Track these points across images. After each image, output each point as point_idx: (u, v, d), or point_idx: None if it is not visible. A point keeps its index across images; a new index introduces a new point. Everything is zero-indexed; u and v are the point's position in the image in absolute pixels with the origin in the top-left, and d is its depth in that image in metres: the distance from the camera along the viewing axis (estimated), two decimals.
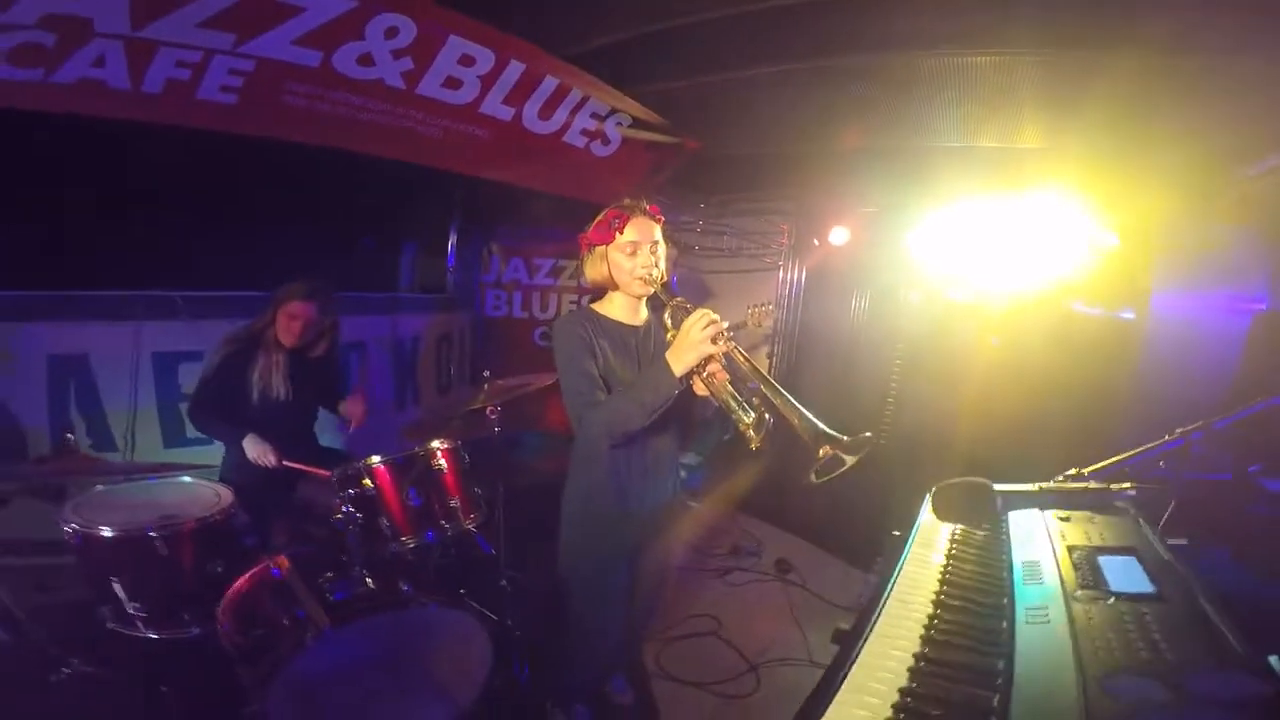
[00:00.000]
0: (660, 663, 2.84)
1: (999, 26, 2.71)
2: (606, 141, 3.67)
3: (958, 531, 1.65)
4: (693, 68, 3.33)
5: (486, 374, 2.81)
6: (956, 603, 1.27)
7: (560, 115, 3.30)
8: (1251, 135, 3.01)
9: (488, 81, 2.90)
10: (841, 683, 1.00)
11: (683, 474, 4.60)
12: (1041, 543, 1.47)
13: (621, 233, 1.90)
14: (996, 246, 3.66)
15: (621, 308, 2.02)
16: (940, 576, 1.40)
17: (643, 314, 2.06)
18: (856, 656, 1.07)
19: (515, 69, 2.89)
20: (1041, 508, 1.57)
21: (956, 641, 1.13)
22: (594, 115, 3.42)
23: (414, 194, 4.27)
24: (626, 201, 1.96)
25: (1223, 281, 3.75)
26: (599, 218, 1.97)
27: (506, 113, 3.13)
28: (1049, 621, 1.10)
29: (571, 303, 5.19)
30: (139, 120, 2.45)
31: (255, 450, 2.60)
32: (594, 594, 2.16)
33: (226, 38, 2.33)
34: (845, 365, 4.83)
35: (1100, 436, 3.61)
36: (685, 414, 2.02)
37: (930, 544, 1.61)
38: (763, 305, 4.65)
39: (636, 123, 3.66)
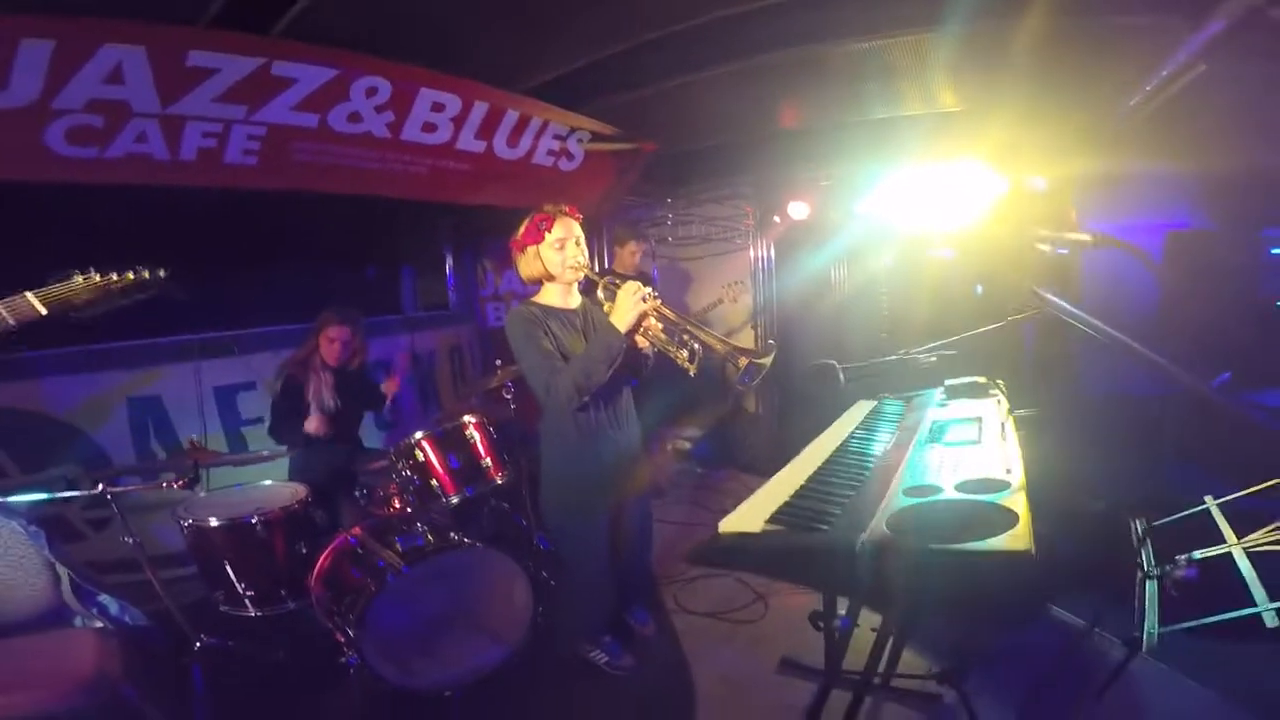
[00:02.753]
0: (678, 600, 3.06)
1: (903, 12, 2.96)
2: (571, 157, 4.04)
3: (870, 409, 2.09)
4: (637, 81, 3.60)
5: (499, 362, 3.19)
6: (844, 455, 1.69)
7: (526, 141, 3.67)
8: (1124, 73, 3.35)
9: (458, 122, 3.29)
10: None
11: (686, 445, 4.96)
12: (921, 414, 1.89)
13: (550, 231, 2.17)
14: (936, 205, 3.76)
15: (558, 295, 2.28)
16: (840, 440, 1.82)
17: (576, 298, 2.33)
18: (765, 486, 1.47)
19: (480, 108, 3.28)
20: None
21: (830, 477, 1.53)
22: (556, 136, 3.79)
23: (409, 224, 4.64)
24: (548, 207, 2.21)
25: (1138, 210, 4.09)
26: (526, 223, 2.22)
27: (479, 146, 3.50)
28: (892, 463, 1.50)
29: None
30: (178, 185, 2.83)
31: (310, 423, 2.99)
32: (581, 544, 2.38)
33: (239, 109, 2.70)
34: (835, 330, 5.02)
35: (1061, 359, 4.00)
36: (634, 370, 2.30)
37: (851, 420, 2.04)
38: (736, 282, 5.01)
39: (595, 136, 4.01)
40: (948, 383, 2.25)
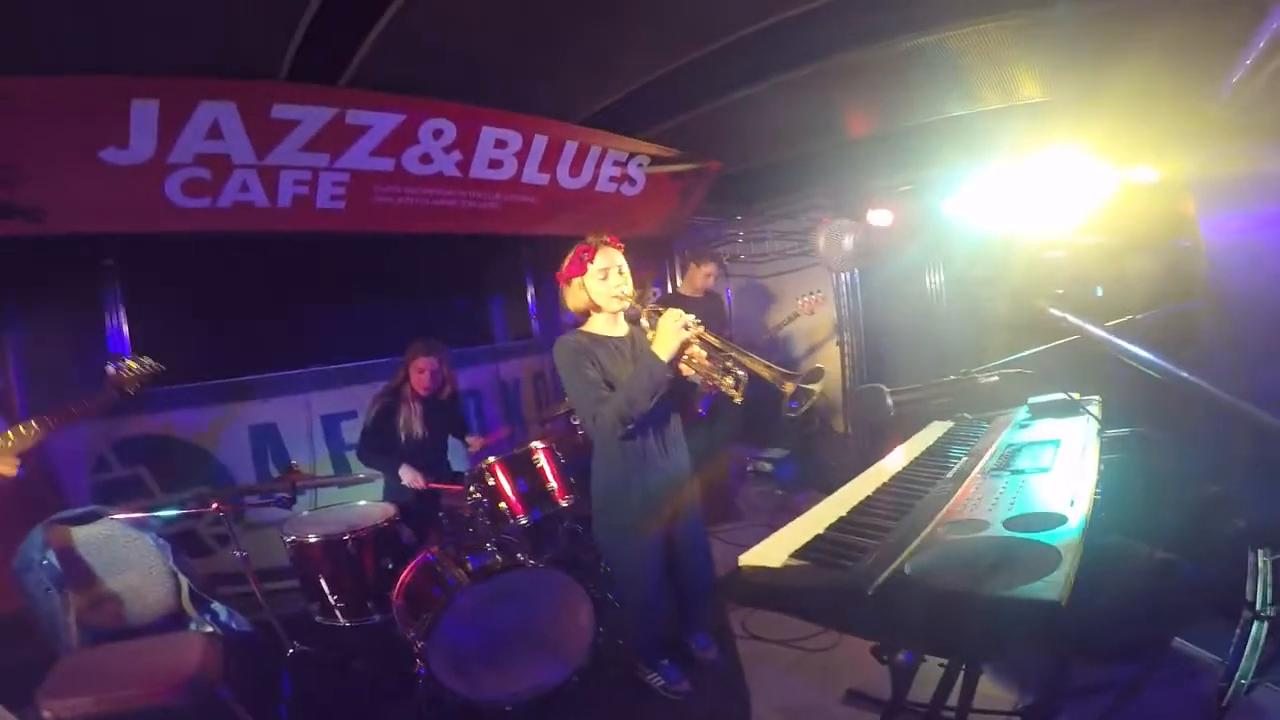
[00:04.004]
0: (746, 626, 2.92)
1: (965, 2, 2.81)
2: (633, 182, 4.07)
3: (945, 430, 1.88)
4: (695, 100, 3.57)
5: None
6: (896, 484, 1.52)
7: (588, 170, 3.73)
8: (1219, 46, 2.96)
9: (521, 157, 3.40)
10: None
11: (768, 466, 4.75)
12: (997, 436, 1.68)
13: (593, 262, 2.16)
14: (1035, 201, 3.46)
15: (604, 325, 2.27)
16: (899, 468, 1.64)
17: (622, 327, 2.30)
18: (801, 517, 1.34)
19: (540, 142, 3.37)
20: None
21: (874, 509, 1.38)
22: (616, 163, 3.84)
23: (495, 256, 4.80)
24: (590, 238, 2.20)
25: (1272, 198, 3.62)
26: (569, 256, 2.22)
27: (543, 178, 3.60)
28: (944, 494, 1.32)
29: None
30: (277, 231, 3.08)
31: (408, 476, 3.09)
32: (633, 570, 2.35)
33: (323, 157, 2.92)
34: (933, 341, 4.67)
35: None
36: (679, 399, 2.26)
37: (920, 443, 1.85)
38: (812, 294, 4.80)
39: (656, 160, 4.02)
40: (1031, 401, 2.00)
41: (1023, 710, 1.83)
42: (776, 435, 5.22)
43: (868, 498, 1.42)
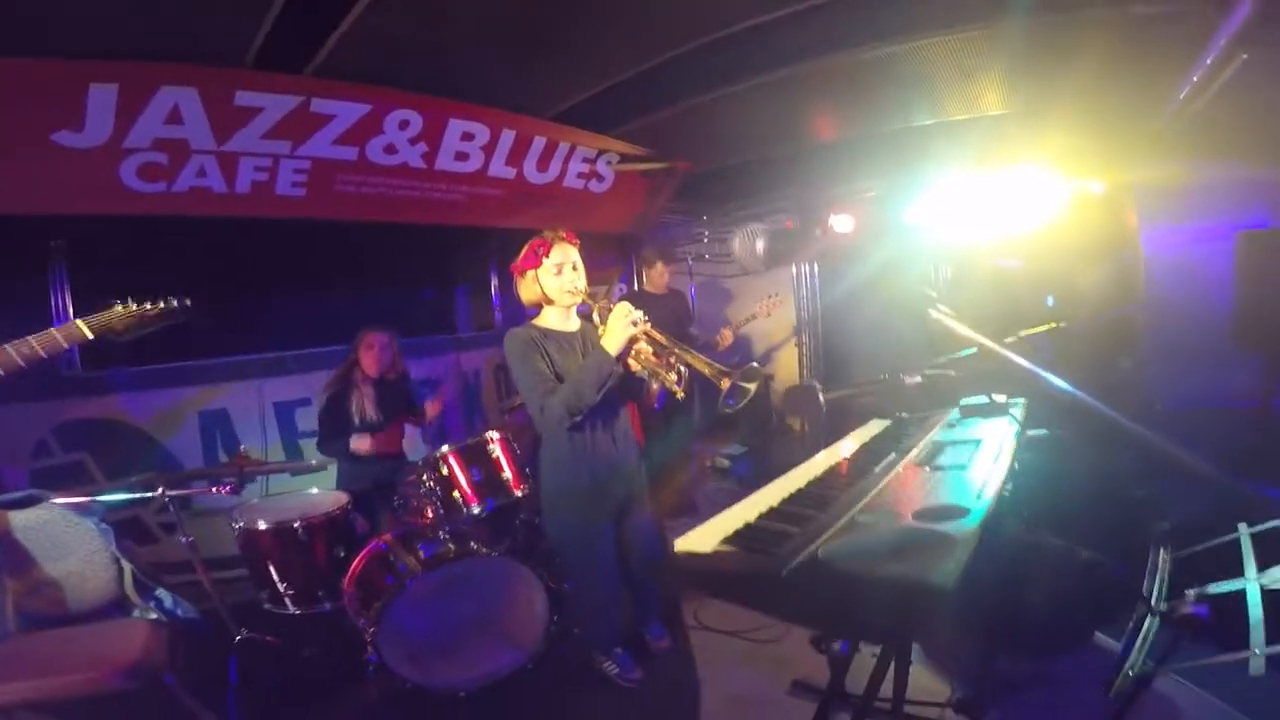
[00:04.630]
0: (698, 617, 2.98)
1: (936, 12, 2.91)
2: (601, 179, 4.14)
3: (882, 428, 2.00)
4: (664, 100, 3.65)
5: None
6: (828, 476, 1.63)
7: (555, 165, 3.80)
8: (1166, 67, 3.13)
9: (488, 150, 3.45)
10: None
11: (726, 463, 4.86)
12: (926, 434, 1.80)
13: (548, 257, 2.19)
14: (992, 212, 3.67)
15: (556, 318, 2.31)
16: (832, 462, 1.75)
17: (574, 322, 2.35)
18: (735, 506, 1.43)
19: (508, 136, 3.43)
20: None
21: (804, 499, 1.48)
22: (585, 160, 3.91)
23: (458, 247, 4.80)
24: (546, 233, 2.23)
25: (1206, 212, 3.80)
26: (525, 249, 2.24)
27: (510, 172, 3.65)
28: (867, 486, 1.43)
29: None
30: (235, 216, 3.07)
31: (357, 442, 3.12)
32: (584, 559, 2.39)
33: (285, 144, 2.94)
34: (888, 345, 4.56)
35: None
36: (627, 392, 2.33)
37: (856, 439, 1.97)
38: (771, 296, 4.93)
39: (625, 158, 4.10)
40: (963, 402, 2.14)
41: (955, 702, 1.91)
42: (734, 433, 5.36)
43: (798, 489, 1.53)
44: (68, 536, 2.62)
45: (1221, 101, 3.06)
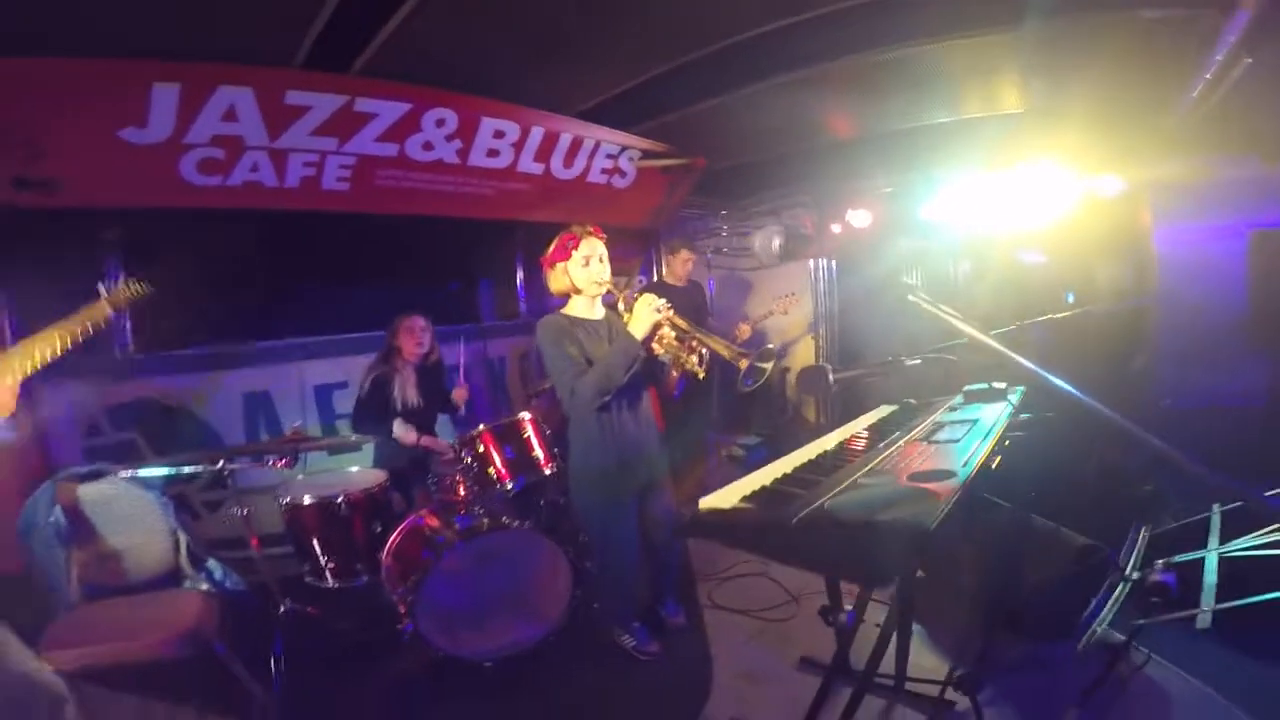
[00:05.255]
0: (711, 597, 3.18)
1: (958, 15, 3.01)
2: (623, 174, 4.34)
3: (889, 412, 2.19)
4: (686, 99, 3.79)
5: None
6: (837, 450, 1.82)
7: (580, 161, 3.99)
8: (1177, 68, 3.19)
9: (518, 147, 3.66)
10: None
11: (741, 452, 5.04)
12: (929, 416, 1.99)
13: (576, 250, 2.38)
14: (1008, 208, 3.74)
15: (584, 308, 2.48)
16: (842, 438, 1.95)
17: (600, 311, 2.51)
18: (753, 473, 1.63)
19: (537, 133, 3.63)
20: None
21: (814, 468, 1.67)
22: (608, 156, 4.10)
23: (487, 240, 5.04)
24: (574, 227, 2.42)
25: (1220, 211, 3.84)
26: (554, 243, 2.44)
27: (538, 168, 3.86)
28: (872, 457, 1.62)
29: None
30: (284, 209, 3.28)
31: (400, 430, 3.31)
32: (608, 535, 2.55)
33: (331, 141, 3.16)
34: (904, 340, 4.92)
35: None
36: (650, 377, 2.49)
37: (864, 421, 2.16)
38: (787, 295, 5.10)
39: (646, 154, 4.28)
40: (966, 388, 2.31)
41: (953, 680, 2.03)
42: (750, 422, 5.55)
43: (809, 460, 1.73)
44: (131, 509, 2.83)
45: (1235, 99, 3.10)
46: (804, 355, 5.63)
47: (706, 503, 1.43)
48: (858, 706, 1.88)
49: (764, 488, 1.49)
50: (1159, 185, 4.06)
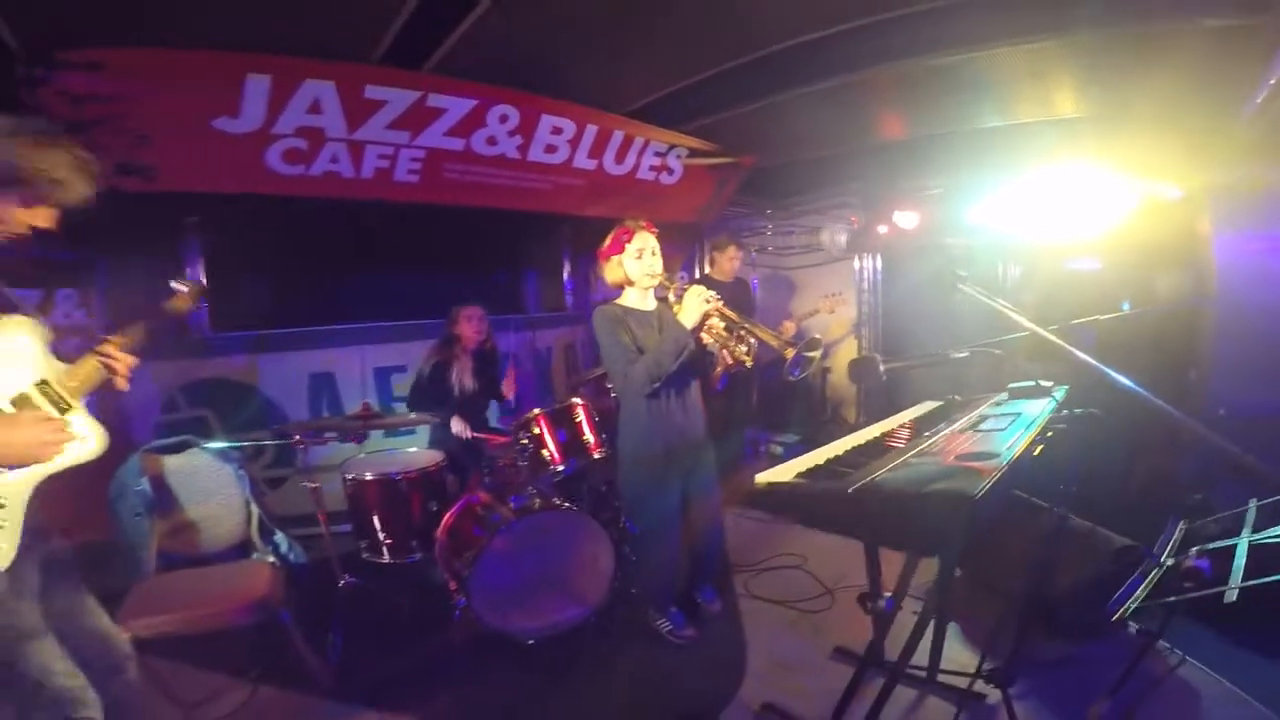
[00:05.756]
0: (748, 587, 3.25)
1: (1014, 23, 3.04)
2: (671, 172, 4.50)
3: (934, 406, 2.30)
4: (737, 100, 3.89)
5: None
6: (886, 436, 1.94)
7: (631, 158, 4.17)
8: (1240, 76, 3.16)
9: (574, 144, 3.85)
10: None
11: (780, 449, 5.14)
12: (974, 410, 2.09)
13: (630, 243, 2.53)
14: (1061, 213, 3.71)
15: (636, 299, 2.63)
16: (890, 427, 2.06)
17: (651, 302, 2.65)
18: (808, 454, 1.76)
19: (591, 130, 3.81)
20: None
21: (864, 450, 1.79)
22: (657, 154, 4.27)
23: (534, 233, 5.25)
24: (629, 222, 2.57)
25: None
26: (611, 236, 2.60)
27: (591, 164, 4.04)
28: (920, 441, 1.73)
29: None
30: (359, 198, 3.51)
31: (458, 426, 3.52)
32: (652, 517, 2.66)
33: (404, 135, 3.37)
34: (955, 341, 4.94)
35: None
36: (698, 368, 2.62)
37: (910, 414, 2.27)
38: (834, 294, 5.19)
39: (693, 152, 4.43)
40: (1010, 386, 2.40)
41: (985, 674, 2.07)
42: (789, 422, 5.64)
43: (859, 444, 1.85)
44: (210, 481, 3.05)
45: None
46: (847, 356, 5.70)
47: (763, 478, 1.57)
48: (889, 695, 1.95)
49: (818, 466, 1.62)
50: (1219, 193, 4.01)
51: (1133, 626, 2.38)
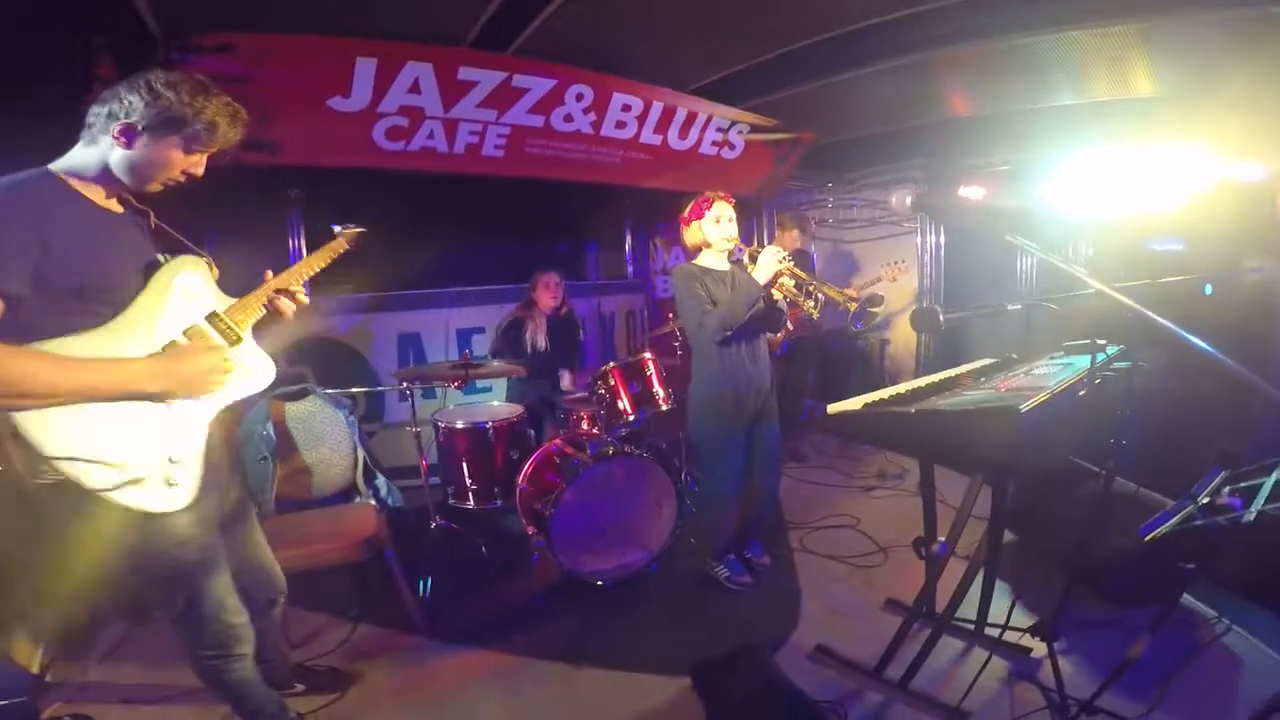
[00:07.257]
0: (803, 543, 3.43)
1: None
2: (733, 147, 4.75)
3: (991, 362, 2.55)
4: (802, 77, 4.10)
5: (671, 315, 3.97)
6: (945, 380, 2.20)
7: (694, 134, 4.44)
8: None
9: (641, 120, 4.15)
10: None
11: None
12: (1029, 364, 2.33)
13: (710, 210, 2.82)
14: (1136, 192, 3.65)
15: (712, 260, 2.89)
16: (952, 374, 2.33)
17: (726, 264, 2.90)
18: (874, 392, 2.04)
19: (657, 107, 4.11)
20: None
21: (925, 390, 2.06)
22: (719, 129, 4.53)
23: (597, 205, 5.57)
24: (709, 192, 2.85)
25: None
26: (691, 203, 2.87)
27: (657, 139, 4.33)
28: (978, 383, 1.99)
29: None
30: (452, 172, 3.86)
31: (567, 380, 3.99)
32: (718, 464, 2.87)
33: (492, 113, 3.70)
34: (1021, 328, 4.86)
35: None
36: (767, 324, 2.88)
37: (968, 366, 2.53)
38: (896, 262, 5.31)
39: (754, 128, 4.66)
40: (1065, 344, 2.60)
41: (1031, 627, 2.20)
42: (847, 393, 5.82)
43: (921, 385, 2.12)
44: (325, 427, 3.36)
45: None
46: (905, 329, 5.87)
47: (835, 408, 1.86)
48: (937, 642, 2.08)
49: (883, 399, 1.90)
50: None
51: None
